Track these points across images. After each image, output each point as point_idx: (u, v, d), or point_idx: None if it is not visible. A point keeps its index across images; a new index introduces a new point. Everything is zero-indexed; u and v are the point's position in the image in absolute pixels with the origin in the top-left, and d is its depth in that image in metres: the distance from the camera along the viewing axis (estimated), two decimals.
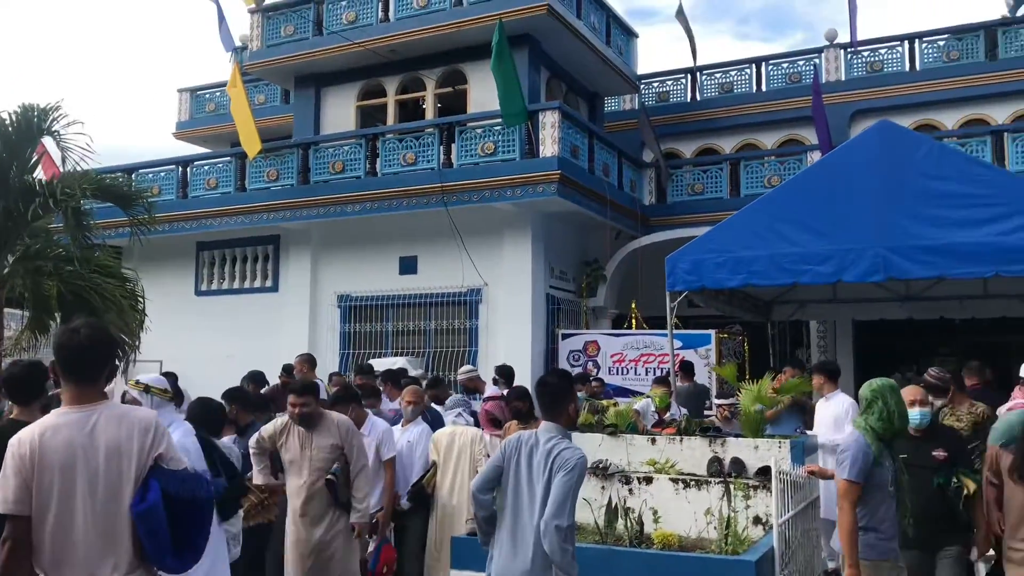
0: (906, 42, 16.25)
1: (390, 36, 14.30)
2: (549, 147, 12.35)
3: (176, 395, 6.12)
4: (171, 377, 8.41)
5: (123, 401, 4.20)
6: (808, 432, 7.51)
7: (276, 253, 15.29)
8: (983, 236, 7.39)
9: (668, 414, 8.30)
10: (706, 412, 10.44)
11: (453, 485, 6.44)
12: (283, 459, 5.60)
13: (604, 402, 8.04)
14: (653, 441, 6.62)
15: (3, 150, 9.23)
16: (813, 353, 14.48)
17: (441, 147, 13.16)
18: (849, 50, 16.50)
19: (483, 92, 13.79)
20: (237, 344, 14.17)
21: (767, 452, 6.00)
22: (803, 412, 8.27)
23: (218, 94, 19.94)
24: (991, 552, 5.08)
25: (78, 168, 9.49)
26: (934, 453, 4.88)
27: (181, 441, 3.95)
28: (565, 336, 13.24)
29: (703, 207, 14.62)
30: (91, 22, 60.20)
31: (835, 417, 7.21)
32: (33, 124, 9.27)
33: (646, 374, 12.43)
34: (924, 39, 16.18)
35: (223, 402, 5.98)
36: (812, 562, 5.70)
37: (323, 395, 6.98)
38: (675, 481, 6.02)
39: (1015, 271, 7.44)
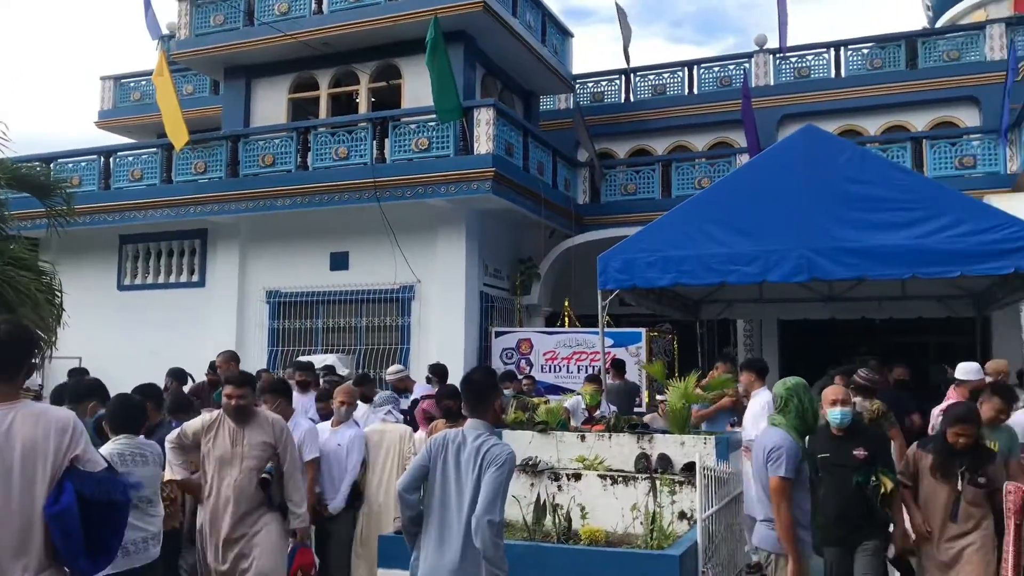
0: (832, 49, 16.73)
1: (323, 29, 14.10)
2: (484, 144, 12.34)
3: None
4: (80, 372, 8.11)
5: None
6: (737, 428, 7.66)
7: (203, 247, 14.93)
8: (901, 239, 7.64)
9: (598, 411, 8.36)
10: (636, 409, 10.58)
11: (381, 483, 6.35)
12: (209, 456, 5.31)
13: (535, 400, 8.05)
14: (583, 438, 6.66)
15: None
16: (740, 351, 14.79)
17: (374, 142, 13.03)
18: (778, 56, 16.91)
19: (418, 87, 13.70)
20: (161, 340, 13.79)
21: (693, 448, 6.10)
22: (734, 411, 8.43)
23: (144, 83, 19.36)
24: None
25: None
26: (855, 452, 4.97)
27: None
28: (498, 334, 13.25)
29: (636, 207, 14.80)
30: (8, 3, 57.84)
31: (754, 414, 7.36)
32: None
33: (578, 372, 12.52)
34: (849, 47, 16.68)
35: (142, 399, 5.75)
36: (735, 556, 5.81)
37: None
38: (603, 477, 6.07)
39: (931, 273, 7.71)
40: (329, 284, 13.58)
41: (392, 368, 8.98)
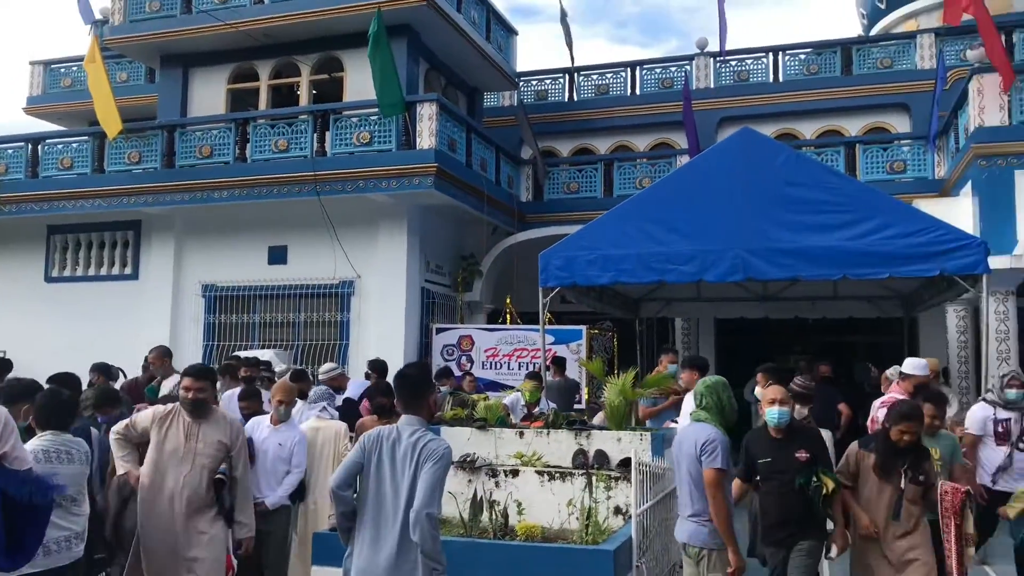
0: (771, 54, 17.05)
1: (264, 19, 13.84)
2: (426, 139, 12.27)
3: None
4: (4, 365, 7.78)
5: None
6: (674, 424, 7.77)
7: (137, 239, 14.55)
8: (833, 241, 7.86)
9: (537, 408, 8.40)
10: (576, 406, 10.67)
11: (316, 481, 6.27)
12: (158, 449, 5.02)
13: (474, 396, 8.05)
14: (521, 435, 6.69)
15: None
16: (678, 349, 14.99)
17: (315, 135, 12.85)
18: (718, 59, 17.17)
19: (360, 81, 13.55)
20: (91, 334, 13.41)
21: (629, 444, 6.18)
22: (679, 409, 8.54)
23: (75, 69, 18.74)
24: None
25: None
26: (797, 455, 4.99)
27: None
28: (439, 330, 13.21)
29: (578, 205, 14.89)
30: None
31: (687, 412, 7.48)
32: None
33: (519, 369, 12.56)
34: (787, 52, 17.03)
35: (71, 392, 5.53)
36: (669, 550, 5.89)
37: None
38: (540, 473, 6.11)
39: (861, 274, 7.94)
40: (267, 278, 13.37)
41: (325, 366, 8.79)
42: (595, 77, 18.27)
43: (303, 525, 6.29)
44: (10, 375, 7.00)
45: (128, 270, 14.59)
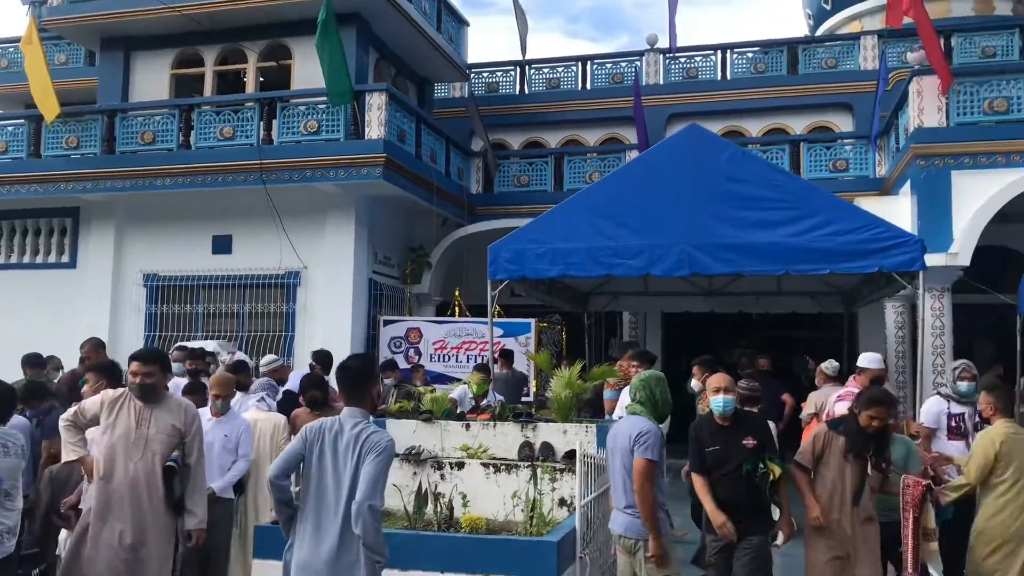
0: (719, 52, 17.26)
1: (210, 3, 13.52)
2: (375, 129, 12.15)
3: None
4: None
5: None
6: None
7: (75, 226, 14.15)
8: (776, 237, 7.97)
9: (485, 401, 8.40)
10: (524, 399, 10.70)
11: (255, 474, 6.18)
12: (108, 435, 4.79)
13: (420, 388, 8.01)
14: (467, 427, 6.69)
15: None
16: (638, 342, 15.13)
17: (261, 123, 12.63)
18: (668, 56, 17.32)
19: (308, 69, 13.35)
20: (25, 324, 13.03)
21: (575, 436, 6.21)
22: None
23: (11, 50, 18.13)
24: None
25: None
26: (744, 442, 5.05)
27: None
28: (387, 322, 13.12)
29: (528, 199, 14.90)
30: None
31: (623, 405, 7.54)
32: None
33: (467, 361, 12.55)
34: (735, 50, 17.26)
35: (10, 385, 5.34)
36: (612, 541, 5.93)
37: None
38: (486, 466, 6.11)
39: (803, 270, 8.09)
40: (211, 268, 13.12)
41: (266, 358, 8.62)
42: (546, 71, 18.30)
43: (243, 518, 6.19)
44: None
45: (65, 258, 14.18)
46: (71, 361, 9.97)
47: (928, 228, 10.34)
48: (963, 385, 6.69)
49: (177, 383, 7.39)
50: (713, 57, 17.32)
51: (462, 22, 17.15)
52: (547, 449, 6.35)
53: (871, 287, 10.12)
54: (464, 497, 5.67)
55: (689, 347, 14.77)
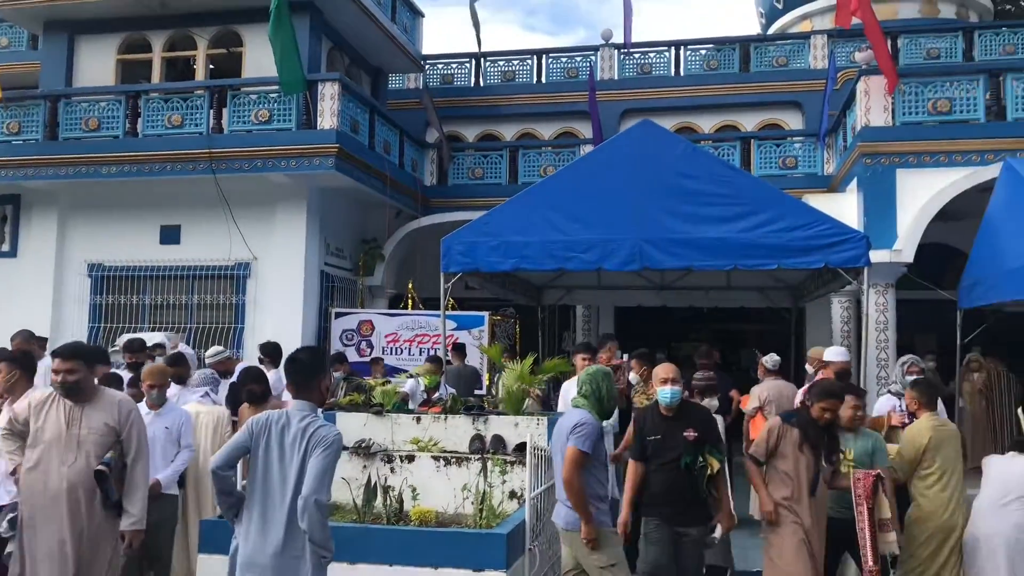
0: (673, 49, 17.41)
1: None
2: (328, 119, 12.01)
3: None
4: None
5: None
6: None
7: (16, 214, 13.77)
8: (726, 232, 8.10)
9: (436, 394, 8.38)
10: (477, 392, 10.68)
11: (198, 469, 6.07)
12: (38, 439, 4.58)
13: (371, 381, 7.96)
14: (418, 420, 6.67)
15: None
16: (578, 336, 15.24)
17: (211, 111, 12.39)
18: (622, 51, 17.41)
19: (260, 57, 13.11)
20: None
21: (526, 429, 6.23)
22: None
23: None
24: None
25: None
26: (685, 433, 5.08)
27: None
28: (339, 315, 12.99)
29: (483, 191, 14.88)
30: None
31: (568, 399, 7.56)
32: None
33: (420, 355, 12.48)
34: (688, 47, 17.42)
35: None
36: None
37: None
38: (436, 459, 6.09)
39: (751, 265, 8.23)
40: (158, 258, 12.86)
41: (211, 350, 8.45)
42: (502, 63, 18.27)
43: (185, 514, 6.08)
44: None
45: (6, 247, 13.80)
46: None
47: (873, 225, 10.56)
48: (912, 379, 6.76)
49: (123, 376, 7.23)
50: (667, 54, 17.46)
51: (417, 13, 17.02)
52: (498, 442, 6.35)
53: (818, 282, 10.32)
54: (414, 490, 5.64)
55: (642, 341, 14.88)
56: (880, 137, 10.95)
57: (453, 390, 8.84)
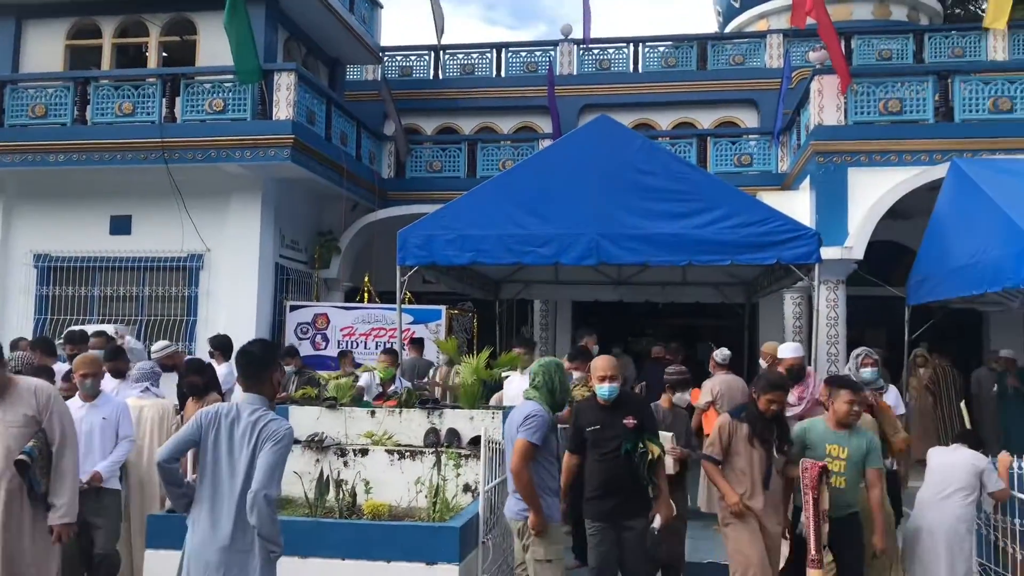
0: (631, 45, 17.49)
1: None
2: (284, 110, 11.85)
3: None
4: None
5: None
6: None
7: None
8: (680, 228, 8.17)
9: (392, 387, 8.32)
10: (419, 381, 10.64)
11: (142, 463, 5.96)
12: None
13: (324, 375, 7.89)
14: (373, 414, 6.64)
15: None
16: (536, 331, 15.26)
17: (164, 99, 12.15)
18: (581, 47, 17.46)
19: (215, 45, 12.91)
20: None
21: (481, 423, 6.23)
22: None
23: None
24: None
25: None
26: (624, 421, 5.04)
27: None
28: (293, 308, 12.84)
29: (441, 185, 14.81)
30: None
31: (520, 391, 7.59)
32: None
33: (376, 348, 12.39)
34: (647, 44, 17.52)
35: None
36: None
37: None
38: (390, 452, 6.07)
39: (705, 260, 8.31)
40: (108, 249, 12.58)
41: (157, 344, 8.27)
42: (461, 56, 18.19)
43: (129, 510, 5.95)
44: None
45: None
46: None
47: (825, 222, 10.74)
48: (867, 372, 6.55)
49: (61, 369, 7.06)
50: (626, 50, 17.54)
51: (376, 4, 16.88)
52: (453, 435, 6.35)
53: (770, 278, 10.47)
54: (367, 484, 5.62)
55: (598, 335, 14.97)
56: (833, 136, 11.12)
57: (409, 384, 8.80)
